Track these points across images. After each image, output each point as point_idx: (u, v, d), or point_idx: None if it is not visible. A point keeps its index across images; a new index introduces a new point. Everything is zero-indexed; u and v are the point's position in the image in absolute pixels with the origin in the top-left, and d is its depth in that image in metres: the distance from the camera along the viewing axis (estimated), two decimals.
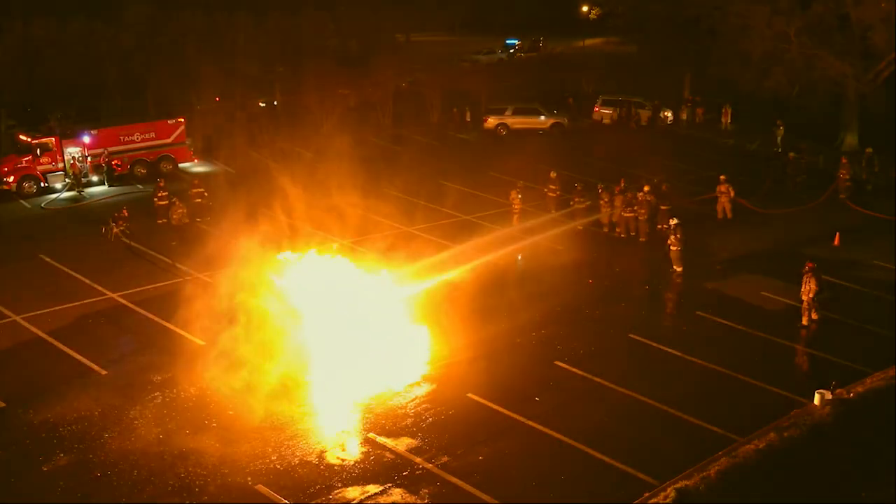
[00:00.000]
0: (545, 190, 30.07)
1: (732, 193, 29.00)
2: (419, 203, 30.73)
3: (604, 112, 47.33)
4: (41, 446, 15.68)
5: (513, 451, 15.51)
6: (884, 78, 39.05)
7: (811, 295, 20.50)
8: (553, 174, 30.14)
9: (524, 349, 19.59)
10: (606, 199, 27.94)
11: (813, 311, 20.66)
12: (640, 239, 27.03)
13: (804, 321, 20.73)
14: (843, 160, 32.06)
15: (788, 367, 18.90)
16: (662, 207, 27.44)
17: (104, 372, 18.52)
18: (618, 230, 27.66)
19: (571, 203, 28.74)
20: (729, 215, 28.97)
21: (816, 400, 16.66)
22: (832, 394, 16.71)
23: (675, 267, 24.11)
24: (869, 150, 33.57)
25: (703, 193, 30.54)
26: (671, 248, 24.19)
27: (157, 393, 17.62)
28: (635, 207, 27.15)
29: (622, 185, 28.39)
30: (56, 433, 16.12)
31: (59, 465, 15.07)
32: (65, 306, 22.08)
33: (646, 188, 27.60)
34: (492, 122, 44.57)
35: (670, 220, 24.61)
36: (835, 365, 18.63)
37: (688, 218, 25.76)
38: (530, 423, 16.27)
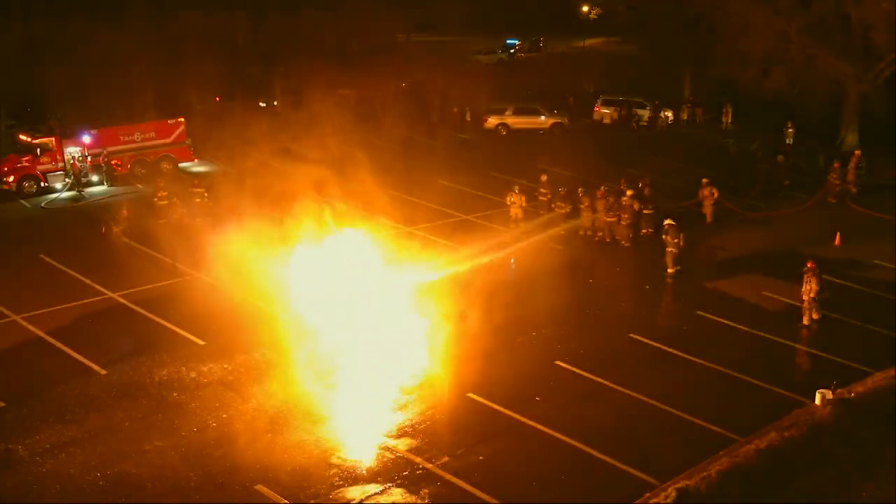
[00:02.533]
0: (536, 193, 29.94)
1: (716, 195, 28.78)
2: (418, 202, 30.71)
3: (604, 112, 47.34)
4: (40, 446, 15.67)
5: (513, 451, 15.50)
6: (884, 77, 39.03)
7: (812, 294, 20.49)
8: (544, 177, 29.90)
9: (524, 349, 19.57)
10: (587, 204, 27.42)
11: (814, 310, 20.65)
12: (624, 244, 26.66)
13: (805, 321, 20.72)
14: (836, 164, 31.99)
15: (789, 366, 18.89)
16: (645, 212, 27.09)
17: (104, 372, 18.50)
18: (599, 234, 27.28)
19: (553, 207, 28.47)
20: (709, 219, 28.68)
21: (817, 400, 16.67)
22: (833, 393, 16.72)
23: (668, 269, 24.02)
24: (857, 152, 33.52)
25: (695, 195, 30.37)
26: (667, 248, 24.10)
27: (157, 393, 17.59)
28: (618, 212, 26.82)
29: (613, 188, 28.10)
30: (55, 433, 16.10)
31: (57, 465, 15.06)
32: (65, 306, 22.04)
33: (629, 192, 27.13)
34: (492, 121, 44.53)
35: (665, 221, 24.50)
36: (836, 365, 18.63)
37: (681, 220, 25.61)
38: (530, 422, 16.25)
